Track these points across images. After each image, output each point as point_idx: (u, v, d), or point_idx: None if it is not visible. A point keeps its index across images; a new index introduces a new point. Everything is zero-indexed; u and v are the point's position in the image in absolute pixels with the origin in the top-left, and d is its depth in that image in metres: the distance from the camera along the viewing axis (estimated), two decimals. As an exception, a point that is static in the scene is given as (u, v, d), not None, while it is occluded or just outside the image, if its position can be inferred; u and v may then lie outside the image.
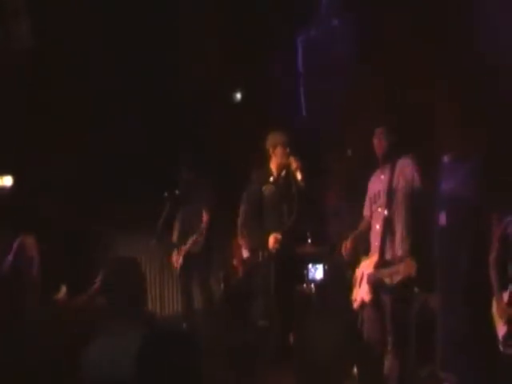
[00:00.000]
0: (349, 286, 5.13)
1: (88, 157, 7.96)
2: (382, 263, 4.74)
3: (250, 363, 5.15)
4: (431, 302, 5.70)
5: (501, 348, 4.74)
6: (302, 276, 6.77)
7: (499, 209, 5.09)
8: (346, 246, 4.91)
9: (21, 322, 5.06)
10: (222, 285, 7.65)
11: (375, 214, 4.90)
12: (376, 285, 4.74)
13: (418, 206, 4.75)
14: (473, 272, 5.36)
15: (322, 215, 7.18)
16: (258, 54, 7.77)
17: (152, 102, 8.07)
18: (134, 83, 7.80)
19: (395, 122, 5.02)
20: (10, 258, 5.62)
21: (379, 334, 4.76)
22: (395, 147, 4.85)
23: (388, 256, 4.74)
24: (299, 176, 5.45)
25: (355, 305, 4.90)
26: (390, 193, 4.77)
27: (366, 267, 4.86)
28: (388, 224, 4.73)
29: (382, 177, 4.91)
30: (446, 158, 5.72)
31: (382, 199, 4.82)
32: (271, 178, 5.62)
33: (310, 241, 6.77)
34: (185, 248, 6.95)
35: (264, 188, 5.62)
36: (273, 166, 5.66)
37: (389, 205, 4.75)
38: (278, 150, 5.59)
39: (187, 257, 6.95)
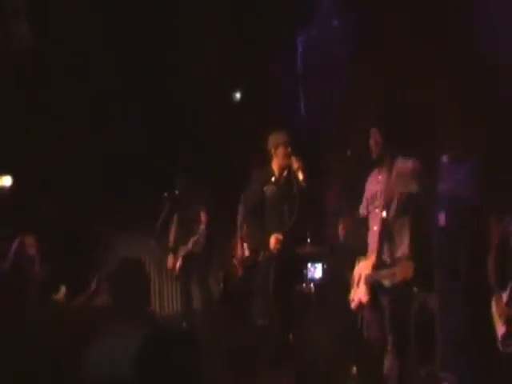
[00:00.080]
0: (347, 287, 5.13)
1: (88, 157, 7.97)
2: (379, 264, 4.73)
3: (250, 363, 5.15)
4: (430, 302, 5.70)
5: (500, 348, 4.74)
6: (302, 276, 6.78)
7: (499, 209, 5.09)
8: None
9: (21, 322, 5.06)
10: (222, 284, 7.66)
11: (372, 215, 4.87)
12: (373, 286, 4.73)
13: (417, 207, 4.74)
14: (472, 272, 5.36)
15: (322, 215, 7.18)
16: (258, 54, 7.77)
17: (152, 102, 8.07)
18: (133, 83, 7.80)
19: (387, 122, 4.97)
20: (10, 257, 5.63)
21: (379, 334, 4.75)
22: (390, 147, 4.81)
23: (385, 257, 4.73)
24: (301, 176, 5.43)
25: (352, 305, 4.89)
26: (388, 194, 4.74)
27: (363, 268, 4.85)
28: (386, 225, 4.71)
29: (380, 177, 4.87)
30: (445, 158, 5.71)
31: (380, 200, 4.79)
32: (273, 178, 5.62)
33: (309, 241, 6.77)
34: (185, 248, 6.96)
35: (266, 188, 5.60)
36: (274, 167, 5.64)
37: (386, 206, 4.73)
38: (280, 151, 5.57)
39: (188, 256, 6.96)
